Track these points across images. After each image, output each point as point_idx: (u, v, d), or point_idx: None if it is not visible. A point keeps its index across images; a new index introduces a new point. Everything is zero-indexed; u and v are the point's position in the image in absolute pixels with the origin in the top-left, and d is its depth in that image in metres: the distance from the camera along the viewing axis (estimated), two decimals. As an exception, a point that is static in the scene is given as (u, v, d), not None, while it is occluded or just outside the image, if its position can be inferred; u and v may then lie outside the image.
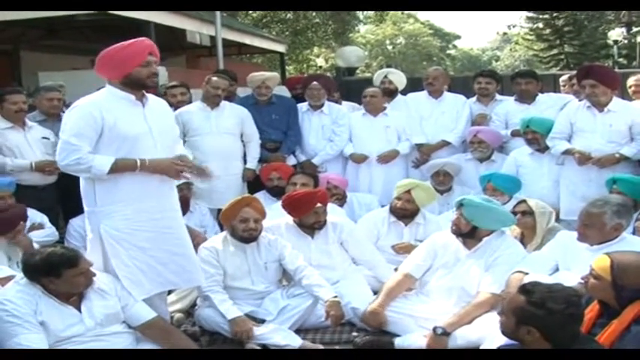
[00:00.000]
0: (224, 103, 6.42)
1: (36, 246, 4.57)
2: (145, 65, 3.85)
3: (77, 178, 5.97)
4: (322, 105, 6.88)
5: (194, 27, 13.47)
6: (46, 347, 3.40)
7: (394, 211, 5.58)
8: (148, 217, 3.91)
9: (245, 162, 6.53)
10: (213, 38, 13.39)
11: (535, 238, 4.88)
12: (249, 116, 6.46)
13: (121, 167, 3.77)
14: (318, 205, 4.98)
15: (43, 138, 5.87)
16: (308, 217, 5.01)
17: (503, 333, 3.08)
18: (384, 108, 6.84)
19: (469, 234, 4.43)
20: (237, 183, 6.43)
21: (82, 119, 3.73)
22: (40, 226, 5.26)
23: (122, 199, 3.84)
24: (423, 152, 6.78)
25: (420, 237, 5.41)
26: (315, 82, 6.89)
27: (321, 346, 4.26)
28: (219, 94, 6.31)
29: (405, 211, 5.53)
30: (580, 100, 6.09)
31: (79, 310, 3.62)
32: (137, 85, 3.89)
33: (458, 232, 4.46)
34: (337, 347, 4.34)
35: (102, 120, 3.74)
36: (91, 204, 3.87)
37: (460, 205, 4.44)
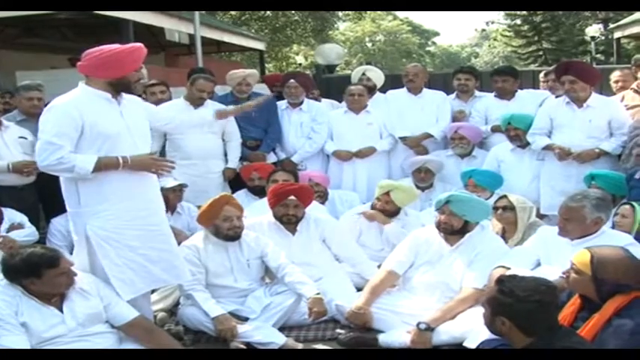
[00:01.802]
0: (207, 102, 6.38)
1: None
2: (137, 70, 3.93)
3: (57, 178, 5.94)
4: (301, 102, 6.89)
5: (173, 25, 13.44)
6: (29, 348, 3.38)
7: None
8: (135, 215, 3.90)
9: (226, 161, 6.51)
10: (192, 36, 13.35)
11: (516, 233, 4.91)
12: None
13: (104, 165, 3.75)
14: (291, 197, 4.99)
15: (20, 138, 5.79)
16: (278, 209, 5.03)
17: (486, 326, 3.13)
18: (366, 105, 6.86)
19: (461, 230, 4.44)
20: (219, 182, 6.41)
21: (62, 119, 3.69)
22: (20, 226, 5.20)
23: (107, 198, 3.82)
24: (409, 144, 6.79)
25: (400, 232, 5.41)
26: (292, 80, 6.88)
27: (300, 346, 4.25)
28: (204, 97, 6.27)
29: (385, 212, 5.54)
30: (557, 97, 6.14)
31: (61, 310, 3.59)
32: (123, 88, 3.91)
33: (450, 230, 4.45)
34: (321, 344, 4.34)
35: (82, 119, 3.71)
36: (74, 205, 3.84)
37: (446, 202, 4.44)
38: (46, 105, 6.76)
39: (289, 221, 5.04)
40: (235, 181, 6.56)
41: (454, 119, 6.85)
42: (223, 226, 4.65)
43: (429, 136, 6.80)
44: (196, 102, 6.25)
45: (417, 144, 6.77)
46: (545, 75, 7.11)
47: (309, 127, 6.85)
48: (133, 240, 3.88)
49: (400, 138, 6.81)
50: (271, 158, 6.78)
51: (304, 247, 5.02)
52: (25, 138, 5.79)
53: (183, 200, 5.95)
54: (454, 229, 4.45)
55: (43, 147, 3.69)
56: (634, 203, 4.52)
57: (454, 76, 7.15)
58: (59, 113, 3.71)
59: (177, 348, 3.87)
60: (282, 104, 6.96)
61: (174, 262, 4.10)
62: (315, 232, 5.08)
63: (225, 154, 6.52)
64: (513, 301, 2.94)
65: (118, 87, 3.87)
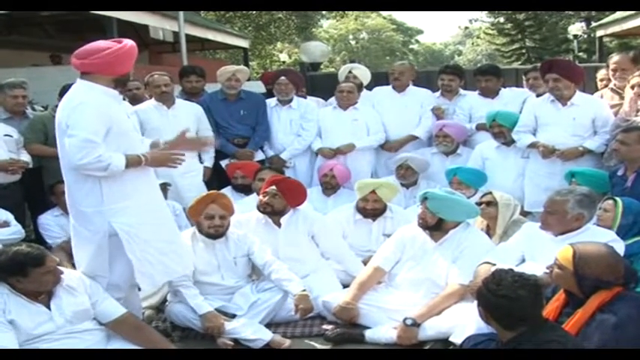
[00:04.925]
0: (179, 102, 6.40)
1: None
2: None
3: (41, 176, 5.92)
4: (291, 100, 6.87)
5: (157, 23, 13.41)
6: (17, 346, 3.38)
7: (364, 213, 5.58)
8: (150, 209, 3.95)
9: (200, 160, 6.52)
10: (176, 34, 13.33)
11: (497, 229, 4.94)
12: (203, 114, 6.48)
13: (130, 163, 3.79)
14: (272, 187, 5.02)
15: (6, 135, 5.76)
16: (259, 199, 5.09)
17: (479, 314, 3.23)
18: (355, 102, 6.86)
19: (435, 226, 4.48)
20: (198, 180, 6.38)
21: (96, 116, 3.68)
22: (6, 224, 5.18)
23: (129, 195, 3.84)
24: (391, 148, 6.81)
25: (388, 231, 5.42)
26: (282, 78, 6.86)
27: (288, 342, 4.27)
28: (164, 91, 6.24)
29: (376, 211, 5.55)
30: (538, 96, 6.18)
31: (49, 307, 3.60)
32: (123, 83, 3.98)
33: (424, 225, 4.51)
34: (308, 340, 4.37)
35: (110, 117, 3.73)
36: (96, 204, 3.79)
37: (424, 198, 4.49)
38: (30, 102, 6.78)
39: (265, 210, 5.04)
40: (220, 178, 6.57)
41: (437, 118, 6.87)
42: (204, 224, 4.68)
43: (413, 138, 6.84)
44: (164, 99, 6.25)
45: (400, 147, 6.80)
46: (526, 74, 7.14)
47: (298, 124, 6.84)
48: (150, 234, 3.90)
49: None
50: (259, 156, 6.78)
51: (291, 242, 5.03)
52: (11, 136, 5.76)
53: (169, 199, 5.94)
54: (428, 225, 4.50)
55: (82, 144, 3.62)
56: (616, 198, 4.57)
57: (439, 75, 7.16)
58: (92, 110, 3.68)
59: (165, 344, 3.88)
60: (271, 102, 6.94)
61: (182, 254, 4.15)
62: (303, 227, 5.09)
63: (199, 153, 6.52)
64: (487, 293, 3.07)
65: (120, 84, 3.91)
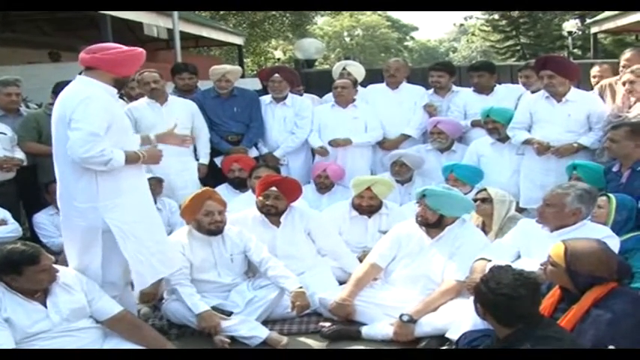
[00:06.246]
0: (172, 98, 6.40)
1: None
2: None
3: (36, 174, 5.91)
4: (285, 97, 6.86)
5: (151, 20, 13.35)
6: (13, 344, 3.38)
7: (360, 210, 5.59)
8: (142, 208, 3.96)
9: (196, 157, 6.52)
10: (170, 31, 13.29)
11: (492, 226, 4.95)
12: (198, 110, 6.47)
13: (129, 160, 3.81)
14: (272, 188, 5.01)
15: (0, 133, 5.74)
16: (259, 200, 5.07)
17: (474, 310, 3.24)
18: (354, 100, 6.85)
19: (435, 223, 4.48)
20: (193, 178, 6.37)
21: (101, 111, 3.69)
22: (3, 222, 5.17)
23: (123, 192, 3.84)
24: (387, 147, 6.81)
25: (384, 228, 5.44)
26: (276, 75, 6.85)
27: (285, 339, 4.27)
28: (154, 88, 6.22)
29: (372, 207, 5.56)
30: (532, 92, 6.19)
31: (45, 305, 3.60)
32: (122, 85, 4.03)
33: (425, 222, 4.50)
34: (304, 337, 4.38)
35: (112, 114, 3.76)
36: (91, 199, 3.78)
37: (423, 196, 4.48)
38: (24, 100, 6.77)
39: (268, 212, 5.04)
40: (216, 176, 6.55)
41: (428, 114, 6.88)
42: (205, 221, 4.65)
43: (406, 137, 6.84)
44: (155, 96, 6.24)
45: (395, 146, 6.79)
46: (519, 71, 7.15)
47: (292, 122, 6.82)
48: (142, 233, 3.90)
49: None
50: (253, 153, 6.75)
51: (289, 240, 5.04)
52: (5, 134, 5.75)
53: (163, 196, 5.94)
54: (429, 222, 4.50)
55: (87, 138, 3.62)
56: (609, 194, 4.58)
57: (429, 72, 7.16)
58: (98, 105, 3.69)
59: (162, 342, 3.89)
60: (266, 99, 6.93)
61: (168, 254, 4.14)
62: (300, 225, 5.10)
63: (195, 150, 6.52)
64: (486, 291, 3.06)
65: (119, 84, 3.93)
